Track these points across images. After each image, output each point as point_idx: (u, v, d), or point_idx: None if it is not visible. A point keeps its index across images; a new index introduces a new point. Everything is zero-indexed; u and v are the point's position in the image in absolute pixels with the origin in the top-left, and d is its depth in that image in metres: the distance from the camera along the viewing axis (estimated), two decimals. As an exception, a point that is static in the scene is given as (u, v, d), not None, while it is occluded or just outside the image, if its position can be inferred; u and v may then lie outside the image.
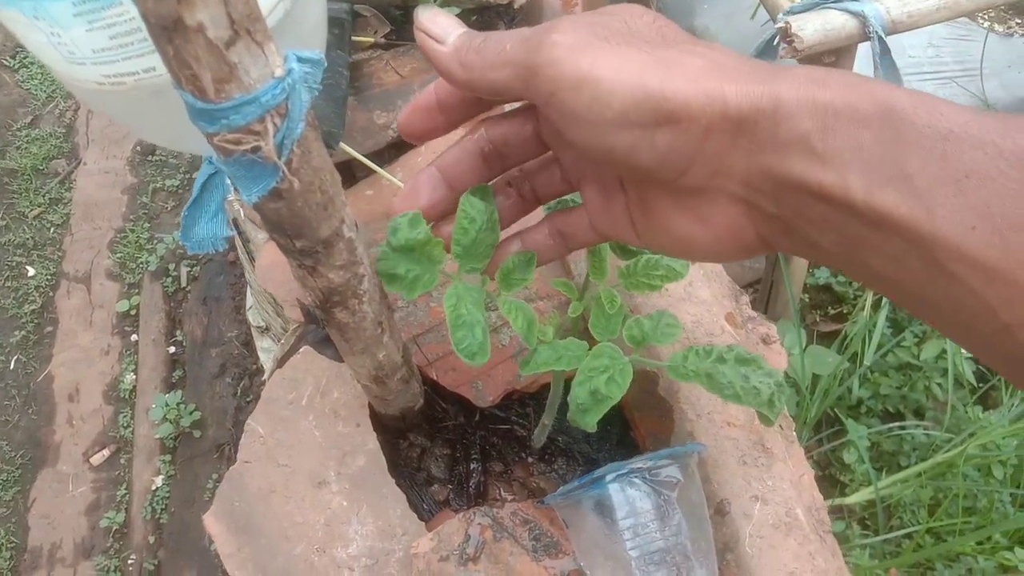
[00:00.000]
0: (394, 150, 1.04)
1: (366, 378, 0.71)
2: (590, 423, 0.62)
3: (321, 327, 0.89)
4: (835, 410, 1.72)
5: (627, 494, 0.65)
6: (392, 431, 0.87)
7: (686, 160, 0.34)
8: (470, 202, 0.61)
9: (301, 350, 0.83)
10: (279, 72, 0.43)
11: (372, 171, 0.95)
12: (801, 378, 1.55)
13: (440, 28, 0.40)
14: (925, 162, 0.28)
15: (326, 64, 0.51)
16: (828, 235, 0.32)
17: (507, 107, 0.46)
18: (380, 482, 0.79)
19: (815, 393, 1.59)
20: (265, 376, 0.94)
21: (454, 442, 0.87)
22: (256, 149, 0.44)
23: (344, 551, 0.77)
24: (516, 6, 1.20)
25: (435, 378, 0.84)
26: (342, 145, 0.82)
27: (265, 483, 0.79)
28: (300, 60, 0.46)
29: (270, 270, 0.92)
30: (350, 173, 1.04)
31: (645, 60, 0.33)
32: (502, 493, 0.85)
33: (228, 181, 0.59)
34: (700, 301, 0.81)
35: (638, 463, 0.66)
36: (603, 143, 0.34)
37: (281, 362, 0.88)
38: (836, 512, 1.65)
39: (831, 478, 1.77)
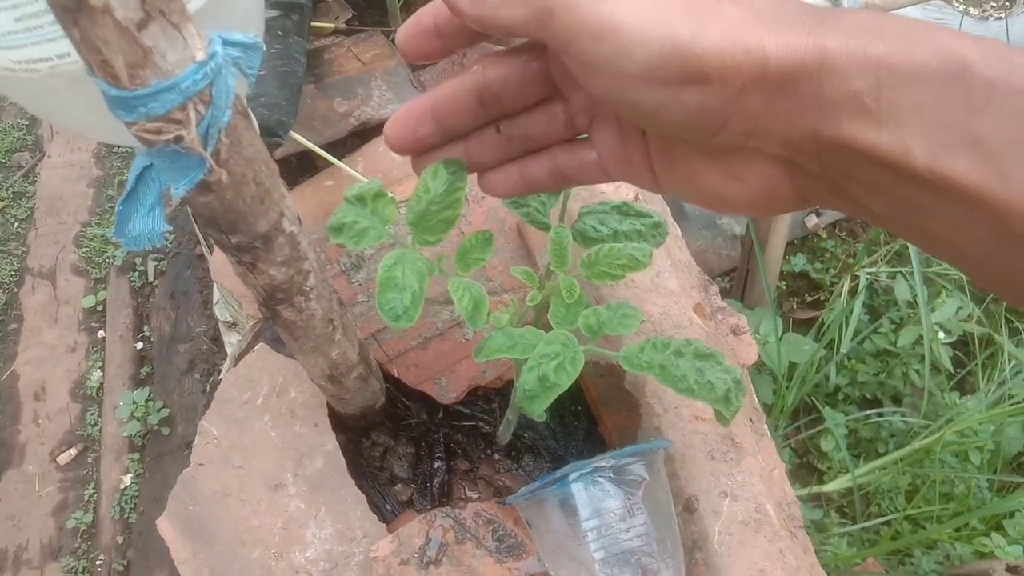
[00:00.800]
0: (357, 139, 1.01)
1: (320, 377, 0.68)
2: (537, 411, 0.59)
3: (280, 323, 0.86)
4: (812, 397, 1.71)
5: (590, 494, 0.63)
6: (354, 430, 0.84)
7: (719, 120, 0.31)
8: (432, 173, 0.59)
9: (256, 348, 0.81)
10: (200, 56, 0.40)
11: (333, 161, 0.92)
12: (777, 366, 1.53)
13: None
14: (998, 123, 0.26)
15: (264, 48, 0.48)
16: (880, 199, 0.30)
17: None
18: (339, 483, 0.76)
19: (792, 381, 1.58)
20: (222, 375, 0.91)
21: (418, 440, 0.85)
22: (178, 139, 0.41)
23: (302, 555, 0.74)
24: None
25: (397, 375, 0.81)
26: (294, 135, 0.79)
27: (220, 486, 0.76)
28: (228, 43, 0.44)
29: (225, 264, 0.89)
30: (310, 163, 1.01)
31: (675, 6, 0.30)
32: (467, 492, 0.82)
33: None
34: (668, 292, 0.79)
35: (602, 461, 0.64)
36: (626, 98, 0.31)
37: (237, 360, 0.85)
38: (814, 500, 1.65)
39: (809, 466, 1.76)
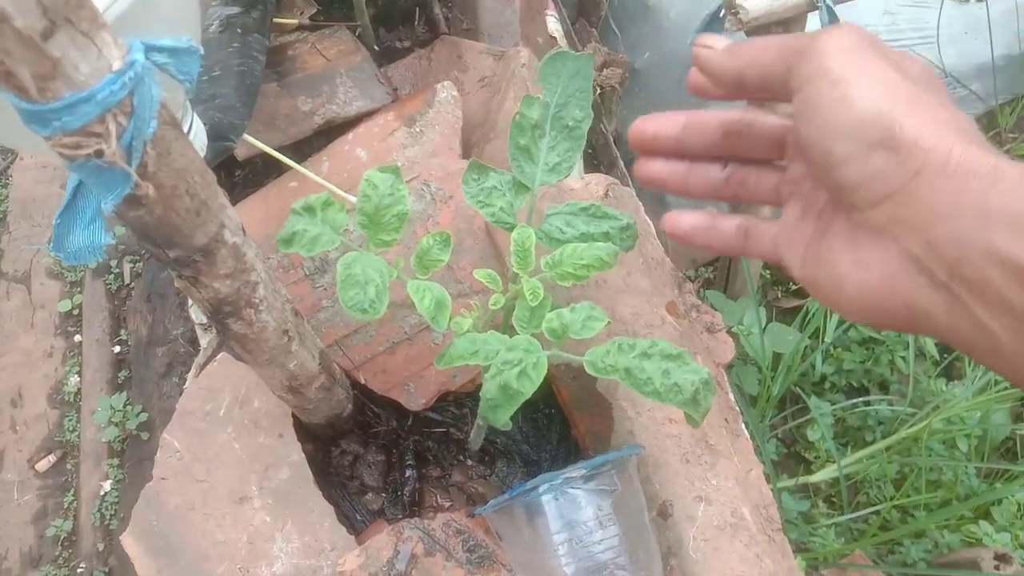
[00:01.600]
0: (322, 138, 0.98)
1: (280, 389, 0.66)
2: (501, 420, 0.58)
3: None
4: (799, 387, 1.69)
5: (561, 505, 0.61)
6: (322, 439, 0.82)
7: (886, 191, 0.34)
8: (373, 174, 0.59)
9: (218, 357, 0.78)
10: (118, 65, 0.37)
11: (299, 161, 0.90)
12: (762, 357, 1.52)
13: (713, 40, 0.41)
14: None
15: (201, 51, 0.46)
16: (1006, 318, 0.31)
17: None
18: (306, 495, 0.74)
19: (778, 371, 1.56)
20: (187, 384, 0.89)
21: (388, 447, 0.83)
22: (99, 153, 0.39)
23: (269, 570, 0.72)
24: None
25: (364, 382, 0.79)
26: (248, 138, 0.77)
27: (183, 500, 0.74)
28: (153, 49, 0.41)
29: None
30: (276, 164, 0.98)
31: (902, 89, 0.34)
32: (439, 499, 0.80)
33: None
34: (640, 291, 0.77)
35: (572, 472, 0.62)
36: (827, 145, 0.35)
37: (200, 369, 0.82)
38: (802, 490, 1.64)
39: (797, 456, 1.75)
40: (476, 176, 0.69)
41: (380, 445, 0.82)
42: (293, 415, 0.76)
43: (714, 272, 1.81)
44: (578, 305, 0.62)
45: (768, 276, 1.87)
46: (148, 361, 1.64)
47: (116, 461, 1.62)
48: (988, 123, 1.77)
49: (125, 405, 1.64)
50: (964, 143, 0.32)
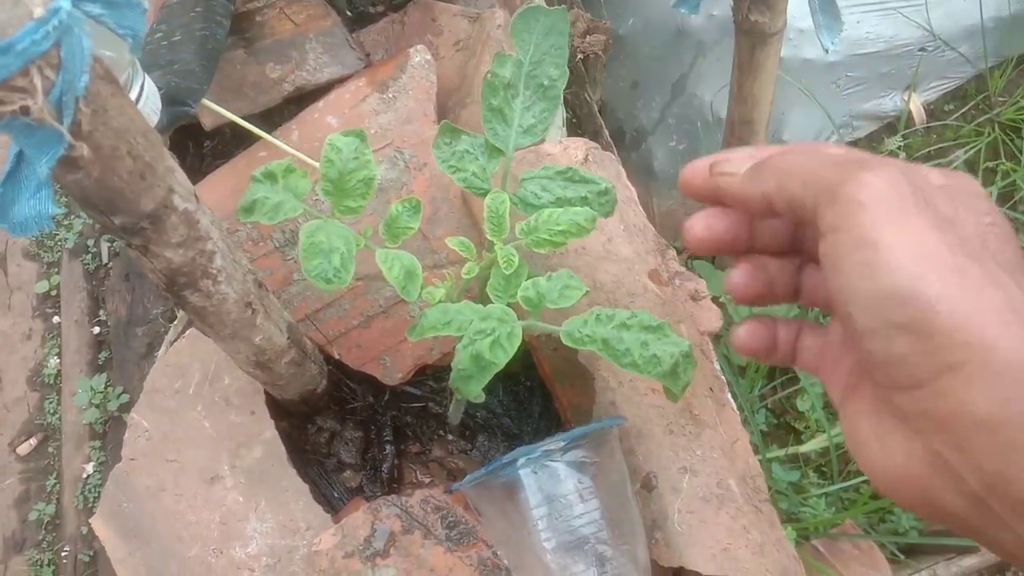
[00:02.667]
0: (293, 105, 0.95)
1: (247, 364, 0.64)
2: (473, 391, 0.55)
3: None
4: (788, 358, 1.68)
5: (539, 479, 0.59)
6: (297, 415, 0.80)
7: (912, 380, 0.28)
8: (336, 138, 0.57)
9: (186, 333, 0.76)
10: (39, 12, 0.34)
11: (269, 131, 0.86)
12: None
13: (733, 165, 0.37)
14: None
15: (146, 6, 0.43)
16: None
17: None
18: (280, 474, 0.72)
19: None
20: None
21: (366, 423, 0.80)
22: (25, 110, 0.36)
23: (243, 551, 0.70)
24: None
25: (338, 357, 0.77)
26: (208, 103, 0.73)
27: (153, 481, 0.72)
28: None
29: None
30: (246, 134, 0.95)
31: (944, 260, 0.28)
32: (419, 476, 0.78)
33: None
34: (621, 259, 0.75)
35: (551, 444, 0.60)
36: (848, 308, 0.30)
37: (169, 345, 0.80)
38: (792, 461, 1.62)
39: (787, 426, 1.74)
40: (448, 140, 0.66)
41: (357, 421, 0.80)
42: (265, 392, 0.74)
43: (702, 242, 1.79)
44: (555, 273, 0.60)
45: (756, 245, 1.84)
46: (128, 341, 1.61)
47: (98, 443, 1.60)
48: (977, 86, 1.74)
49: (106, 386, 1.61)
50: (1016, 335, 0.26)
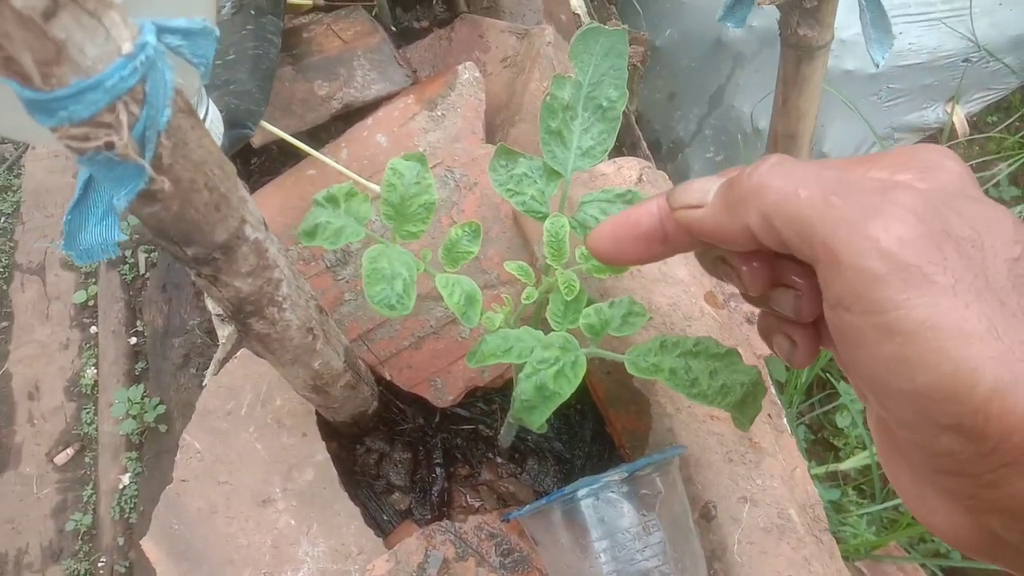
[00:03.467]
0: (341, 122, 0.95)
1: (304, 388, 0.63)
2: (537, 422, 0.54)
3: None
4: (827, 372, 1.65)
5: (601, 511, 0.58)
6: (346, 436, 0.79)
7: (959, 471, 0.25)
8: (398, 162, 0.56)
9: (238, 354, 0.75)
10: (127, 48, 0.34)
11: (316, 148, 0.86)
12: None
13: (695, 194, 0.30)
14: None
15: (217, 32, 0.43)
16: None
17: None
18: (331, 497, 0.71)
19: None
20: (205, 380, 0.86)
21: (415, 445, 0.80)
22: (110, 145, 0.35)
23: (294, 575, 0.70)
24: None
25: (389, 378, 0.76)
26: (265, 124, 0.73)
27: (205, 503, 0.72)
28: (165, 31, 0.38)
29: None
30: (293, 151, 0.95)
31: (986, 343, 0.22)
32: (468, 499, 0.77)
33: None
34: (677, 281, 0.73)
35: (613, 475, 0.59)
36: (876, 396, 0.25)
37: (220, 365, 0.80)
38: (831, 479, 1.60)
39: (825, 442, 1.71)
40: (504, 162, 0.65)
41: (406, 443, 0.79)
42: (317, 413, 0.73)
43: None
44: (617, 300, 0.59)
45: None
46: (165, 352, 1.61)
47: (134, 454, 1.61)
48: (1022, 98, 1.71)
49: (142, 397, 1.62)
50: None
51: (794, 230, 0.26)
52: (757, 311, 0.74)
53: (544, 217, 0.63)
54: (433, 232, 0.79)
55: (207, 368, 1.59)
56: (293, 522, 0.70)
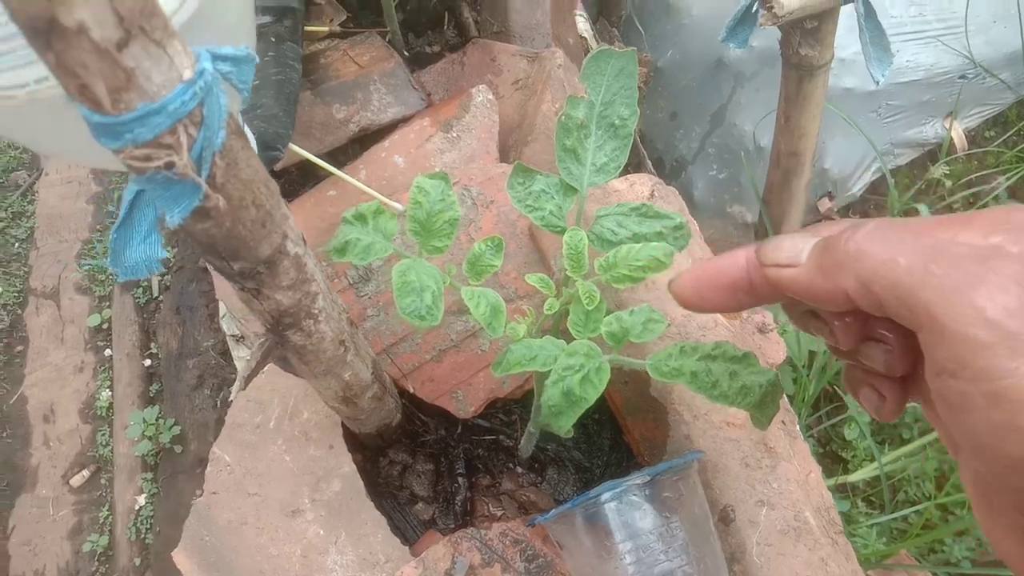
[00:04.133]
0: (357, 145, 0.98)
1: (333, 399, 0.65)
2: (564, 427, 0.56)
3: (288, 341, 0.83)
4: (834, 386, 1.67)
5: (624, 514, 0.60)
6: (370, 448, 0.81)
7: None
8: (424, 180, 0.59)
9: (266, 369, 0.78)
10: (188, 75, 0.37)
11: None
12: (797, 356, 1.50)
13: (787, 252, 0.31)
14: None
15: (258, 59, 0.45)
16: None
17: None
18: (358, 507, 0.73)
19: (812, 370, 1.54)
20: (231, 396, 0.88)
21: (437, 456, 0.82)
22: (170, 165, 0.38)
23: (323, 584, 0.71)
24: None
25: (412, 390, 0.78)
26: (293, 147, 0.76)
27: (235, 515, 0.74)
28: (217, 58, 0.40)
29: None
30: (312, 173, 0.98)
31: None
32: (491, 508, 0.79)
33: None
34: (691, 292, 0.76)
35: (635, 479, 0.61)
36: (982, 458, 0.25)
37: (247, 381, 0.82)
38: (840, 490, 1.61)
39: (833, 455, 1.72)
40: (522, 180, 0.68)
41: (428, 454, 0.81)
42: (342, 425, 0.75)
43: (744, 271, 1.79)
44: (637, 308, 0.61)
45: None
46: (179, 374, 1.64)
47: (150, 475, 1.62)
48: (1019, 113, 1.74)
49: (157, 418, 1.64)
50: None
51: (895, 296, 0.26)
52: (769, 320, 0.76)
53: (562, 231, 0.65)
54: (452, 249, 0.82)
55: (221, 389, 1.62)
56: (322, 532, 0.72)
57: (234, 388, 0.96)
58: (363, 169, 0.92)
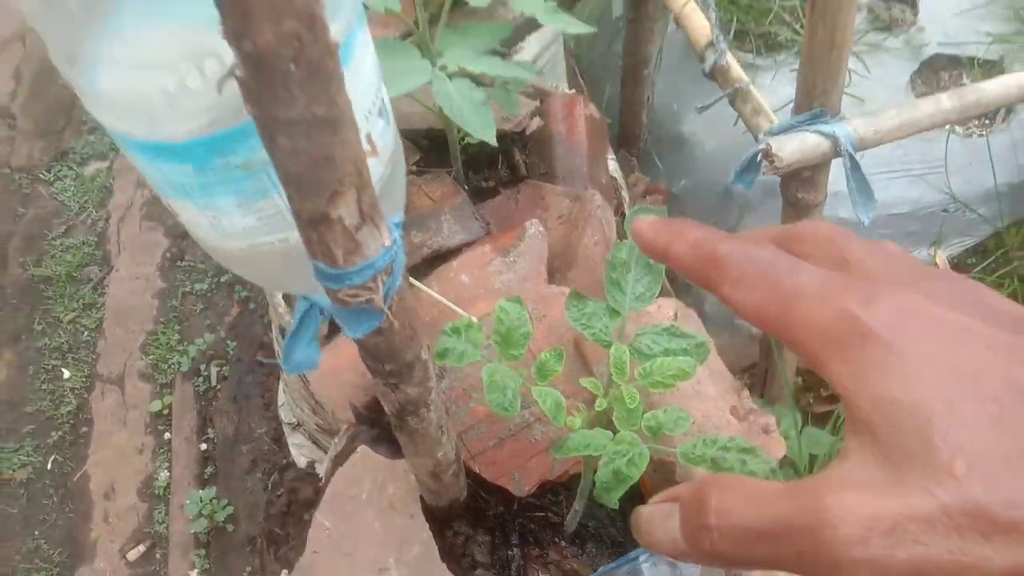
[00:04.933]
0: (427, 265, 1.17)
1: (425, 475, 0.82)
2: (613, 499, 0.73)
3: (372, 428, 1.00)
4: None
5: (659, 571, 0.76)
6: (438, 521, 0.97)
7: None
8: (506, 303, 0.77)
9: (359, 450, 0.94)
10: (387, 242, 0.56)
11: (412, 287, 1.08)
12: (799, 458, 1.65)
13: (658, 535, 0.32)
14: None
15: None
16: None
17: None
18: (434, 568, 0.89)
19: (814, 471, 1.69)
20: (322, 472, 1.05)
21: (493, 529, 0.97)
22: (369, 301, 0.56)
23: (404, 631, 0.86)
24: (527, 132, 1.36)
25: (478, 471, 0.95)
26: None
27: (331, 572, 0.89)
28: (395, 226, 0.60)
29: (326, 376, 1.03)
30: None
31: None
32: (540, 575, 0.95)
33: (320, 313, 0.72)
34: (708, 397, 0.93)
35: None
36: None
37: (338, 460, 0.98)
38: None
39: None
40: (576, 303, 0.86)
41: (486, 527, 0.97)
42: (420, 499, 0.92)
43: (751, 378, 1.96)
44: (669, 408, 0.78)
45: (800, 382, 2.01)
46: (234, 458, 1.79)
47: (203, 552, 1.76)
48: (996, 243, 1.95)
49: (212, 499, 1.78)
50: None
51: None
52: (772, 423, 0.94)
53: (609, 345, 0.84)
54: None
55: (272, 473, 1.77)
56: (403, 587, 0.88)
57: (323, 468, 1.12)
58: (434, 284, 1.12)
